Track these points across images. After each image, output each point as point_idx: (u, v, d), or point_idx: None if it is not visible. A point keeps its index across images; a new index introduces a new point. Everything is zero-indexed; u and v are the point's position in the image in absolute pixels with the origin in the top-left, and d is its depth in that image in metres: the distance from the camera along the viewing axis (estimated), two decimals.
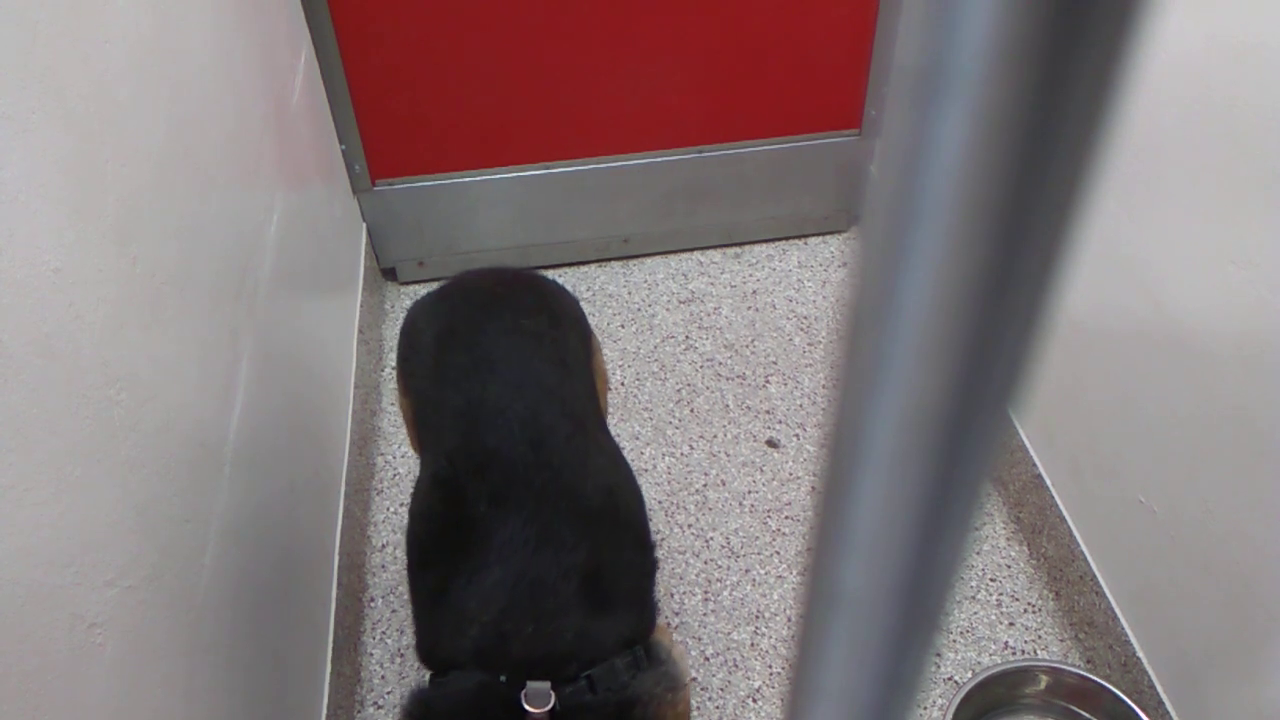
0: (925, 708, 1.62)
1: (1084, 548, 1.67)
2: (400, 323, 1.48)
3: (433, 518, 1.19)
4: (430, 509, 1.20)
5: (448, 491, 1.19)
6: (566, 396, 1.27)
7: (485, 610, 1.09)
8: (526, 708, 1.02)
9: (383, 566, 1.84)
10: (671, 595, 1.78)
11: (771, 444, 2.02)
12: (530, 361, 1.30)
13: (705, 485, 1.95)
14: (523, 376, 1.27)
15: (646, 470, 1.97)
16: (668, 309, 2.31)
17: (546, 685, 1.04)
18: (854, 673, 0.20)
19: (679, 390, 2.13)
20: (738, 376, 2.15)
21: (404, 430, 1.46)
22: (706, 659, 1.70)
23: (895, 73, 0.14)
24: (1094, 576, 1.63)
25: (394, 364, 1.59)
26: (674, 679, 1.11)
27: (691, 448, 2.02)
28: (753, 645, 1.72)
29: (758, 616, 1.75)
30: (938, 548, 0.18)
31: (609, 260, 2.43)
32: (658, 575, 1.24)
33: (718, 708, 1.64)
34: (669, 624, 1.74)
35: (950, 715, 1.44)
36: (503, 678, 1.06)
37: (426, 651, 1.15)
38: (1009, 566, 1.82)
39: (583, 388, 1.33)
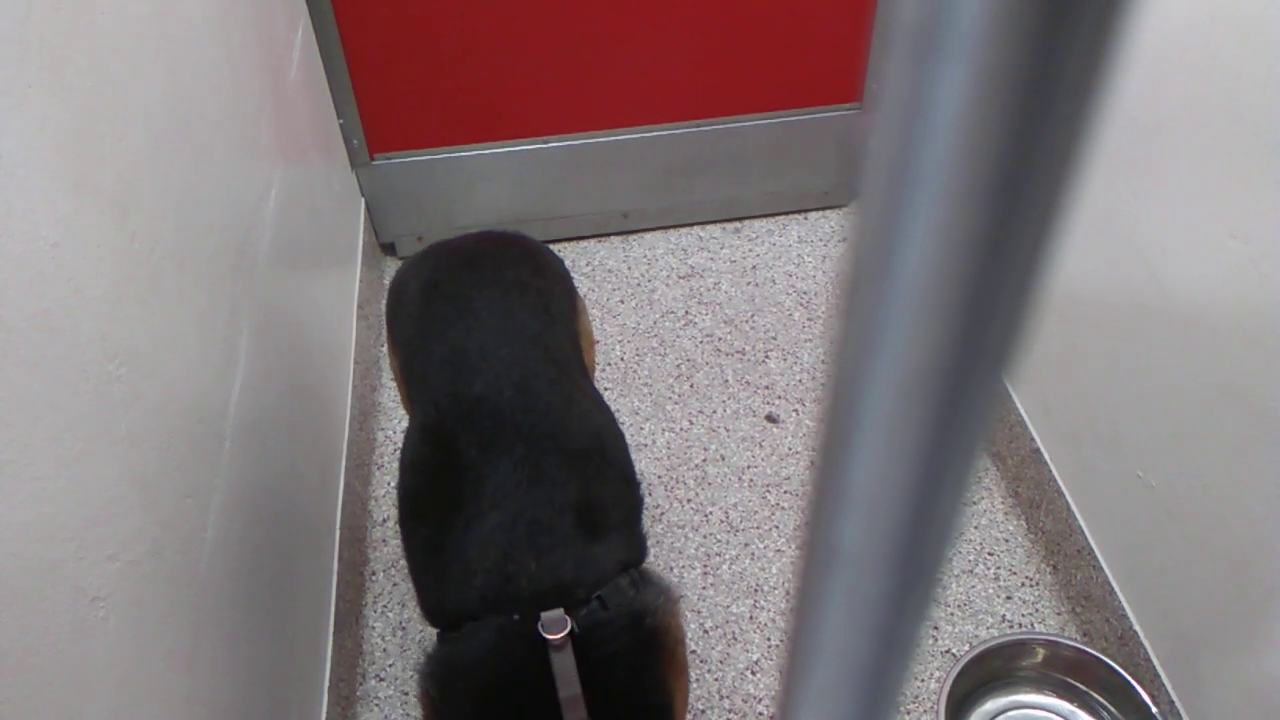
0: (923, 680, 1.64)
1: (1082, 522, 1.67)
2: None
3: (423, 468, 1.21)
4: (420, 459, 1.22)
5: (437, 440, 1.20)
6: (550, 344, 1.29)
7: (486, 557, 1.11)
8: (546, 636, 1.05)
9: (384, 540, 1.85)
10: (671, 569, 1.79)
11: (771, 419, 2.02)
12: (513, 309, 1.31)
13: (705, 460, 1.95)
14: (506, 323, 1.29)
15: (646, 445, 1.98)
16: (667, 284, 2.31)
17: (560, 611, 1.07)
18: (851, 632, 0.20)
19: (678, 365, 2.13)
20: (737, 352, 2.15)
21: (401, 399, 1.47)
22: (705, 632, 1.71)
23: (893, 28, 0.14)
24: (1091, 550, 1.64)
25: None
26: (670, 591, 1.16)
27: (691, 423, 2.02)
28: (751, 618, 1.73)
29: (756, 590, 1.76)
30: (934, 506, 0.18)
31: (608, 235, 2.43)
32: (645, 514, 1.28)
33: (716, 680, 1.65)
34: None
35: (947, 688, 1.45)
36: (516, 616, 1.08)
37: (432, 608, 1.17)
38: (1007, 540, 1.83)
39: (566, 337, 1.34)
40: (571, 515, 1.14)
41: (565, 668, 1.05)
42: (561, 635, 1.05)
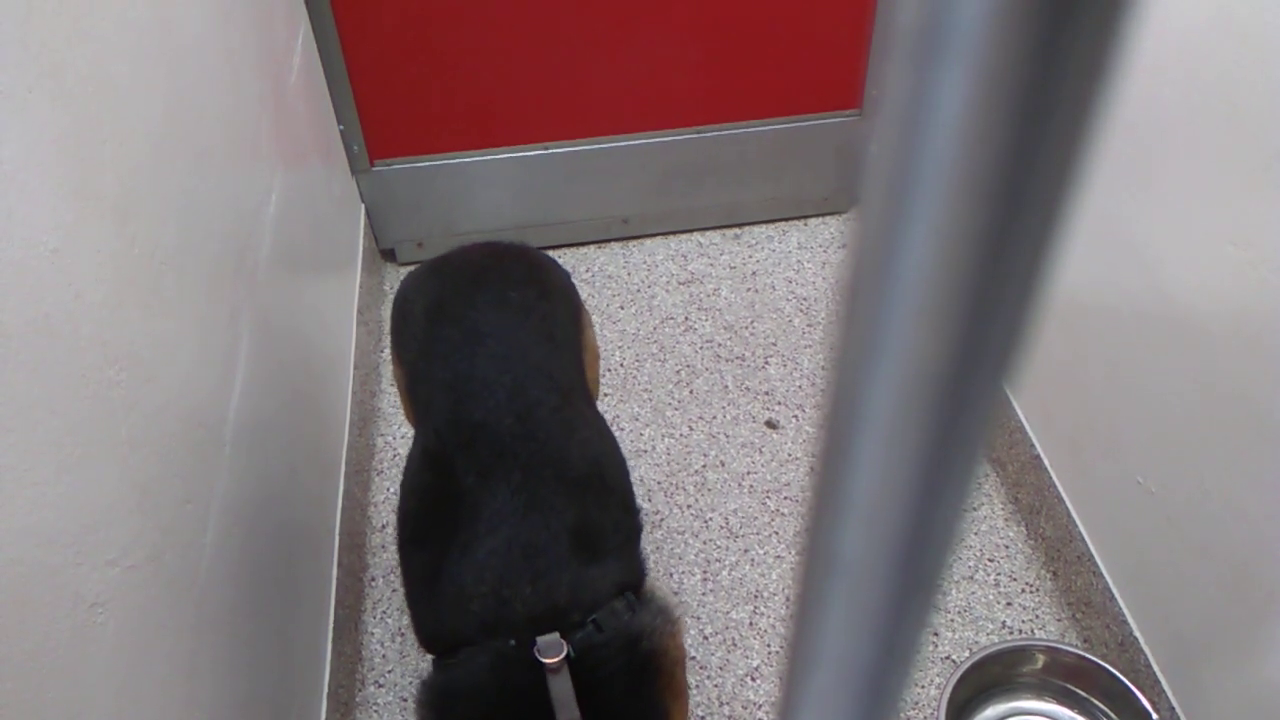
0: (923, 686, 1.63)
1: (1082, 528, 1.67)
2: None
3: (423, 494, 1.21)
4: (421, 484, 1.22)
5: (437, 466, 1.21)
6: (553, 370, 1.29)
7: (482, 582, 1.11)
8: (542, 660, 1.05)
9: (383, 546, 1.85)
10: (670, 575, 1.79)
11: (770, 425, 2.02)
12: (517, 335, 1.31)
13: (704, 466, 1.95)
14: (510, 350, 1.29)
15: (646, 451, 1.98)
16: (667, 290, 2.31)
17: (556, 635, 1.07)
18: (851, 638, 0.20)
19: (678, 371, 2.13)
20: (737, 358, 2.15)
21: (404, 411, 1.47)
22: (705, 638, 1.71)
23: (893, 33, 0.14)
24: (1091, 557, 1.64)
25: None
26: (669, 612, 1.16)
27: (691, 429, 2.02)
28: (751, 624, 1.72)
29: (756, 596, 1.76)
30: (935, 512, 0.18)
31: (608, 241, 2.43)
32: (646, 538, 1.28)
33: (716, 686, 1.65)
34: None
35: (947, 694, 1.45)
36: (511, 641, 1.08)
37: (429, 635, 1.16)
38: (1007, 547, 1.82)
39: (570, 361, 1.34)
40: (567, 539, 1.14)
41: (562, 692, 1.05)
42: (557, 659, 1.05)
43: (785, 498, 1.90)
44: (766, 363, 2.14)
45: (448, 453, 1.20)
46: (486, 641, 1.09)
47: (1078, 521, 1.68)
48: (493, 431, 1.20)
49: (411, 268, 2.34)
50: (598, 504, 1.19)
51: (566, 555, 1.13)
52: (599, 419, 1.33)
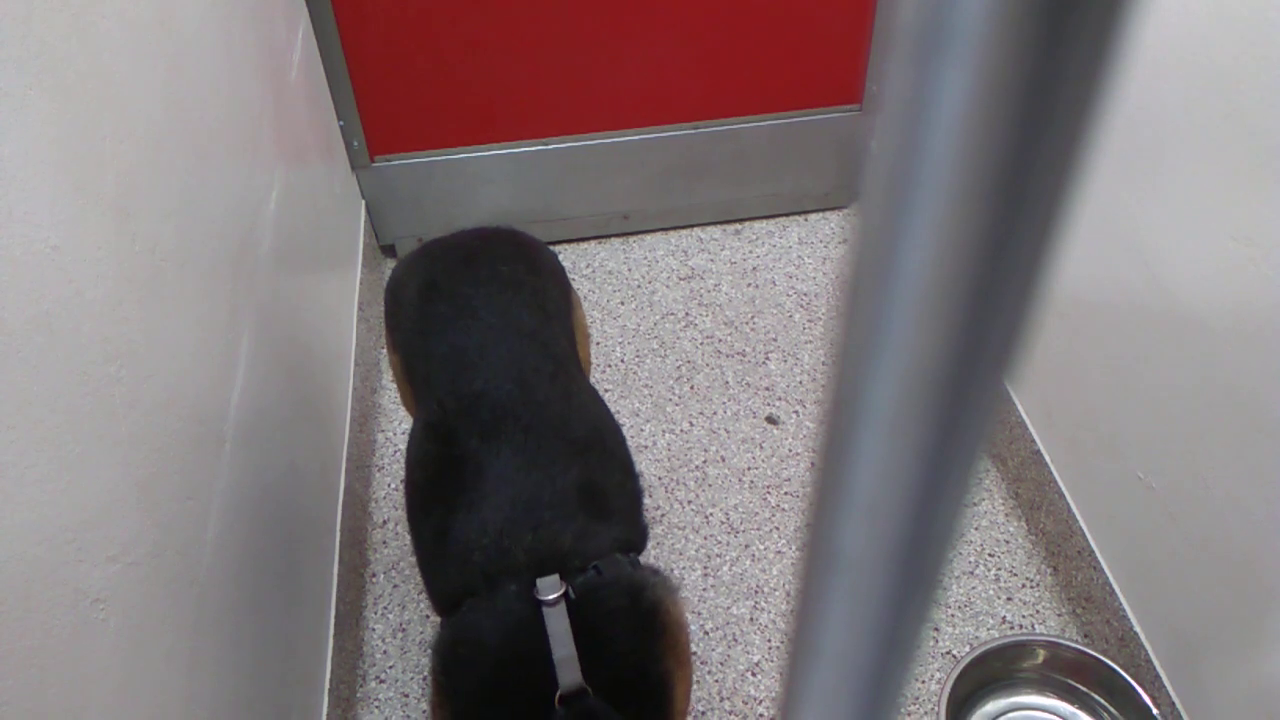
0: (923, 681, 1.63)
1: (1082, 523, 1.67)
2: None
3: (428, 463, 1.23)
4: (425, 454, 1.24)
5: (440, 435, 1.22)
6: (547, 339, 1.32)
7: (485, 535, 1.13)
8: (542, 599, 1.06)
9: (384, 542, 1.85)
10: (671, 570, 1.79)
11: (771, 420, 2.02)
12: (511, 306, 1.33)
13: (705, 462, 1.95)
14: (504, 321, 1.31)
15: (646, 447, 1.98)
16: (667, 286, 2.31)
17: (555, 577, 1.08)
18: (852, 634, 0.20)
19: (679, 367, 2.13)
20: (738, 353, 2.15)
21: (402, 401, 1.47)
22: (706, 633, 1.71)
23: (894, 29, 0.14)
24: (1092, 552, 1.64)
25: None
26: (669, 579, 1.17)
27: (691, 424, 2.02)
28: (752, 620, 1.72)
29: (757, 591, 1.76)
30: (936, 509, 0.18)
31: (608, 237, 2.43)
32: (645, 513, 1.29)
33: (717, 681, 1.65)
34: None
35: (948, 689, 1.45)
36: (513, 586, 1.09)
37: (439, 594, 1.18)
38: (1007, 542, 1.83)
39: (562, 332, 1.37)
40: (574, 495, 1.16)
41: (558, 628, 1.06)
42: (555, 596, 1.06)
43: (786, 493, 1.90)
44: (767, 358, 2.14)
45: (450, 422, 1.22)
46: (489, 589, 1.10)
47: (1078, 516, 1.68)
48: (493, 398, 1.21)
49: None
50: (600, 466, 1.21)
51: (572, 508, 1.14)
52: (594, 390, 1.35)
